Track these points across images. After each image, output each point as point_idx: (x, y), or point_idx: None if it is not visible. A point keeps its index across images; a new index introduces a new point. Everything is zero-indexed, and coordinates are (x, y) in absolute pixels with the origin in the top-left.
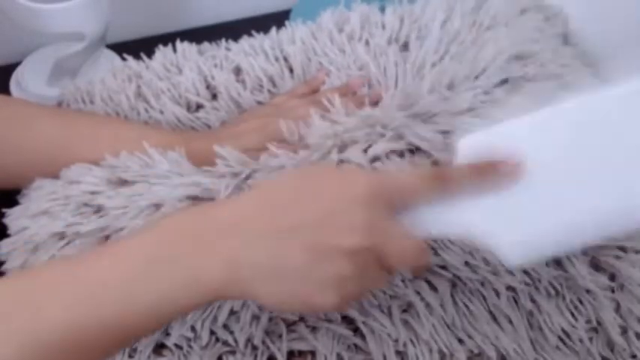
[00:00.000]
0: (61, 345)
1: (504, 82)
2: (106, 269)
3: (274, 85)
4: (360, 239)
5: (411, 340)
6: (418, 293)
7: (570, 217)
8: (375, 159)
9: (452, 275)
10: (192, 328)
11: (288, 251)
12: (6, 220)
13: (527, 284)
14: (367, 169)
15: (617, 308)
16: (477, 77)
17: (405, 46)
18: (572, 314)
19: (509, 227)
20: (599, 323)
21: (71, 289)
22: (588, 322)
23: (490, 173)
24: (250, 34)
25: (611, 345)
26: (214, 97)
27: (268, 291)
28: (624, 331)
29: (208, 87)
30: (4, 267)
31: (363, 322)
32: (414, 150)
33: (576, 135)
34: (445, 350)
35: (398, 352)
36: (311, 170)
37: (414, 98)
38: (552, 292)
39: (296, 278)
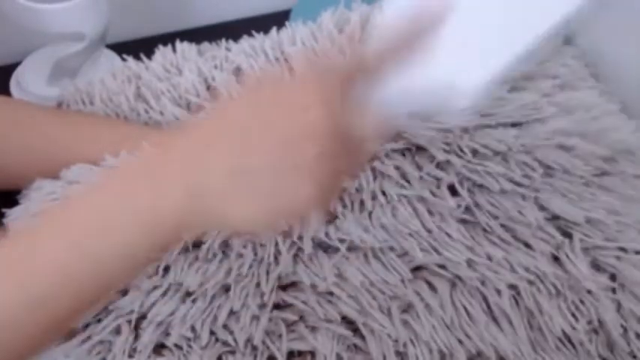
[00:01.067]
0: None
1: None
2: (66, 228)
3: None
4: (318, 114)
5: (411, 340)
6: (418, 293)
7: (499, 36)
8: (375, 158)
9: (452, 275)
10: (192, 328)
11: (252, 153)
12: (6, 220)
13: (528, 284)
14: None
15: (619, 308)
16: None
17: None
18: (573, 315)
19: (453, 68)
20: (600, 324)
21: (26, 263)
22: (589, 322)
23: (416, 33)
24: (250, 35)
25: (610, 345)
26: (215, 98)
27: (238, 208)
28: (625, 331)
29: (208, 88)
30: None
31: (363, 323)
32: (414, 148)
33: None
34: (445, 350)
35: (398, 353)
36: (258, 93)
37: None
38: (553, 292)
39: (264, 180)
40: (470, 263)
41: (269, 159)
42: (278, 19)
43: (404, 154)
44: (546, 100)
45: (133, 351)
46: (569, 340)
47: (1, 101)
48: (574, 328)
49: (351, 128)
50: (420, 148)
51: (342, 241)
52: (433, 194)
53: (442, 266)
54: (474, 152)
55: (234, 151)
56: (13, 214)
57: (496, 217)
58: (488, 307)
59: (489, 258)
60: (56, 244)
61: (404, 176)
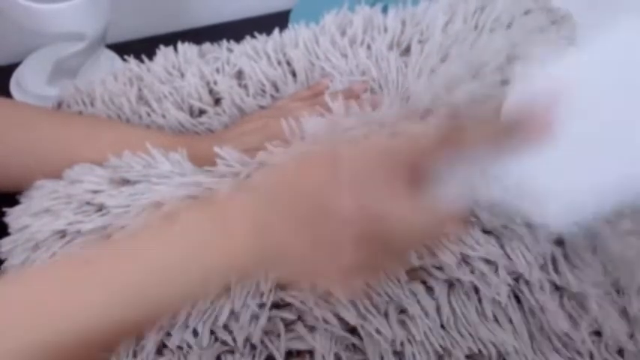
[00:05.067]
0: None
1: (504, 82)
2: (126, 273)
3: (277, 90)
4: (354, 229)
5: (409, 340)
6: (415, 294)
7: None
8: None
9: (449, 276)
10: (194, 330)
11: (290, 244)
12: (7, 219)
13: (528, 284)
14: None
15: (623, 312)
16: (474, 77)
17: (407, 50)
18: (574, 318)
19: (547, 187)
20: (602, 327)
21: (86, 296)
22: (591, 324)
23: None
24: (252, 35)
25: (616, 347)
26: (217, 102)
27: (285, 267)
28: (631, 335)
29: (211, 92)
30: (5, 265)
31: (361, 324)
32: None
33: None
34: (442, 351)
35: (395, 352)
36: (298, 162)
37: (411, 99)
38: (555, 293)
39: (304, 265)
40: (468, 264)
41: (301, 252)
42: (280, 19)
43: None
44: None
45: (134, 353)
46: (572, 341)
47: (3, 104)
48: (576, 330)
49: (394, 213)
50: None
51: None
52: None
53: (439, 267)
54: None
55: (275, 236)
56: (13, 214)
57: (496, 219)
58: (486, 307)
59: (487, 259)
60: (119, 281)
61: None
